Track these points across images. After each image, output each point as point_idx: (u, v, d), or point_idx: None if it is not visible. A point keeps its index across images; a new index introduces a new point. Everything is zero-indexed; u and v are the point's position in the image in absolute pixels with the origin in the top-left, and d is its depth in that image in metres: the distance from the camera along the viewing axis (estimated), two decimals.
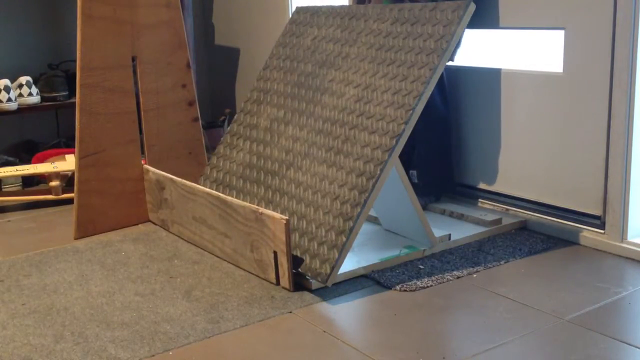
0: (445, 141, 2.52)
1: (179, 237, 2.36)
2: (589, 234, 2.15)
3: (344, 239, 1.88)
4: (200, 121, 2.70)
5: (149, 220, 2.54)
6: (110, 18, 2.45)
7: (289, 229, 1.88)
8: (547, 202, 2.30)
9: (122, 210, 2.50)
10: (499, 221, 2.30)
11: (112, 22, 2.45)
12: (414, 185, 2.45)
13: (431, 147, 2.49)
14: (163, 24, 2.57)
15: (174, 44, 2.60)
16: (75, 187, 2.41)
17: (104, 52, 2.44)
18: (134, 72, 2.54)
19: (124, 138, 2.49)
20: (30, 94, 3.05)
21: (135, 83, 2.54)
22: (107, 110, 2.46)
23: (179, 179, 2.32)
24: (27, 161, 3.11)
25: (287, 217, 1.89)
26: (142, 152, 2.59)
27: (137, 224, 2.52)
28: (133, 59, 2.53)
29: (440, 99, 2.47)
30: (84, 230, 2.42)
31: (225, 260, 2.13)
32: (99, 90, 2.43)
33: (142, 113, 2.55)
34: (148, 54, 2.55)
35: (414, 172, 2.48)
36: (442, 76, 2.47)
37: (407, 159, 2.44)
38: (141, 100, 2.55)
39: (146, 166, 2.52)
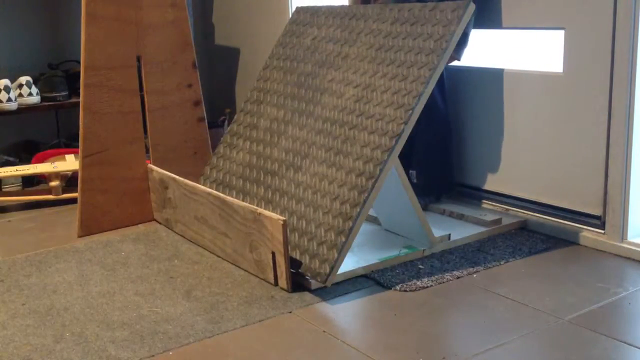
0: (445, 141, 2.52)
1: (182, 236, 2.36)
2: (589, 234, 2.15)
3: (344, 238, 1.88)
4: (206, 121, 2.70)
5: (154, 219, 2.54)
6: (115, 18, 2.45)
7: (286, 229, 1.88)
8: (547, 202, 2.30)
9: (127, 209, 2.50)
10: (499, 221, 2.30)
11: (116, 21, 2.46)
12: (413, 185, 2.45)
13: (431, 147, 2.49)
14: (168, 24, 2.57)
15: (180, 43, 2.60)
16: (79, 186, 2.42)
17: (108, 52, 2.44)
18: (139, 71, 2.55)
19: (128, 137, 2.49)
20: (30, 94, 3.05)
21: (141, 82, 2.54)
22: (111, 109, 2.46)
23: (180, 179, 2.32)
24: (27, 161, 3.11)
25: (284, 218, 1.89)
26: (147, 152, 2.60)
27: (142, 223, 2.52)
28: (138, 59, 2.54)
29: (440, 99, 2.47)
30: (88, 228, 2.42)
31: (225, 260, 2.13)
32: (103, 90, 2.44)
33: (147, 112, 2.55)
34: (153, 53, 2.55)
35: (413, 172, 2.48)
36: (442, 76, 2.47)
37: (407, 159, 2.44)
38: (146, 99, 2.55)
39: (150, 165, 2.52)
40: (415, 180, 2.47)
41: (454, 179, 2.58)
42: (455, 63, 2.43)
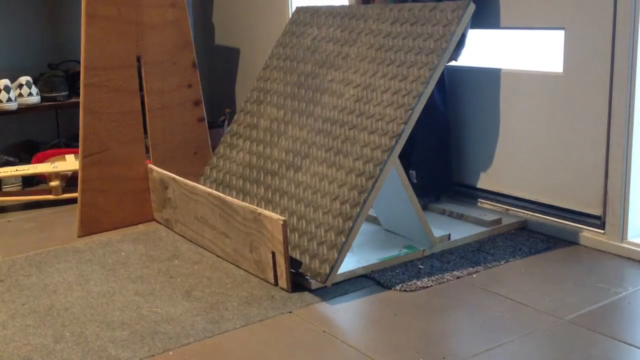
0: (444, 141, 2.52)
1: (182, 236, 2.36)
2: (589, 234, 2.15)
3: (344, 238, 1.88)
4: (206, 121, 2.70)
5: (154, 219, 2.54)
6: (115, 18, 2.45)
7: (286, 229, 1.88)
8: (547, 202, 2.30)
9: (127, 209, 2.50)
10: (499, 221, 2.30)
11: (116, 22, 2.46)
12: (413, 185, 2.45)
13: (430, 147, 2.49)
14: (168, 24, 2.57)
15: (180, 43, 2.61)
16: (79, 186, 2.42)
17: (108, 52, 2.44)
18: (139, 71, 2.55)
19: (128, 137, 2.50)
20: (30, 94, 3.05)
21: (141, 82, 2.54)
22: (111, 109, 2.46)
23: (180, 179, 2.32)
24: (27, 161, 3.11)
25: (284, 218, 1.89)
26: (147, 152, 2.60)
27: (142, 223, 2.52)
28: (138, 59, 2.54)
29: (440, 99, 2.47)
30: (88, 228, 2.42)
31: (225, 260, 2.13)
32: (103, 90, 2.44)
33: (147, 112, 2.56)
34: (153, 53, 2.55)
35: (413, 173, 2.48)
36: (442, 76, 2.47)
37: (407, 159, 2.44)
38: (146, 99, 2.55)
39: (150, 165, 2.52)
40: (415, 180, 2.47)
41: (453, 179, 2.58)
42: (452, 63, 2.43)
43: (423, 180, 2.49)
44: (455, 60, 2.38)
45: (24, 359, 1.60)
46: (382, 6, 2.25)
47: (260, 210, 1.95)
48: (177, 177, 2.35)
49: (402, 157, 2.02)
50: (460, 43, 2.34)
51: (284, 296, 1.88)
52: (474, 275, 1.97)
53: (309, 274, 1.92)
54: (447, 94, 2.51)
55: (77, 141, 2.51)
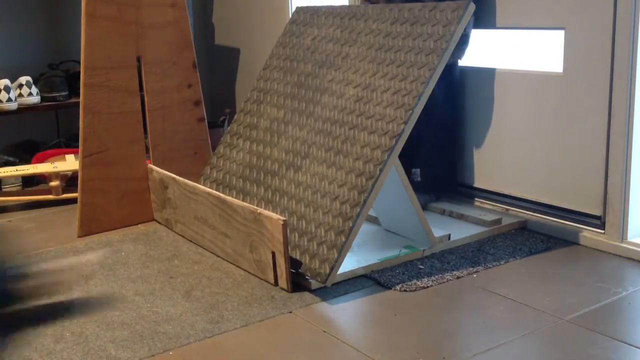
0: (450, 139, 2.52)
1: (182, 236, 2.36)
2: (589, 234, 2.15)
3: (344, 238, 1.88)
4: (206, 121, 2.70)
5: (154, 219, 2.54)
6: (115, 18, 2.45)
7: (286, 229, 1.88)
8: (547, 202, 2.30)
9: (126, 209, 2.50)
10: (499, 221, 2.30)
11: (116, 21, 2.46)
12: (416, 183, 2.45)
13: (436, 145, 2.49)
14: (168, 24, 2.57)
15: (180, 43, 2.61)
16: (79, 186, 2.42)
17: (107, 52, 2.44)
18: (139, 71, 2.55)
19: (128, 137, 2.50)
20: (30, 94, 3.05)
21: (141, 82, 2.54)
22: (111, 109, 2.46)
23: (180, 179, 2.32)
24: (27, 161, 3.11)
25: (284, 218, 1.89)
26: (147, 152, 2.60)
27: (142, 223, 2.52)
28: (138, 59, 2.54)
29: (445, 97, 2.46)
30: (88, 228, 2.42)
31: (225, 260, 2.13)
32: (103, 90, 2.44)
33: (147, 112, 2.56)
34: (153, 53, 2.55)
35: (417, 171, 2.48)
36: (451, 74, 2.46)
37: (410, 158, 2.43)
38: (146, 99, 2.56)
39: (150, 165, 2.52)
40: (419, 179, 2.47)
41: (456, 179, 2.58)
42: (458, 62, 2.43)
43: (427, 179, 2.48)
44: (460, 59, 2.38)
45: (24, 358, 1.60)
46: (382, 6, 2.25)
47: (260, 210, 1.95)
48: (177, 177, 2.35)
49: (407, 155, 2.02)
50: (464, 42, 2.33)
51: (284, 296, 1.88)
52: (474, 275, 1.97)
53: (309, 274, 1.92)
54: (456, 91, 2.49)
55: (77, 141, 2.51)
